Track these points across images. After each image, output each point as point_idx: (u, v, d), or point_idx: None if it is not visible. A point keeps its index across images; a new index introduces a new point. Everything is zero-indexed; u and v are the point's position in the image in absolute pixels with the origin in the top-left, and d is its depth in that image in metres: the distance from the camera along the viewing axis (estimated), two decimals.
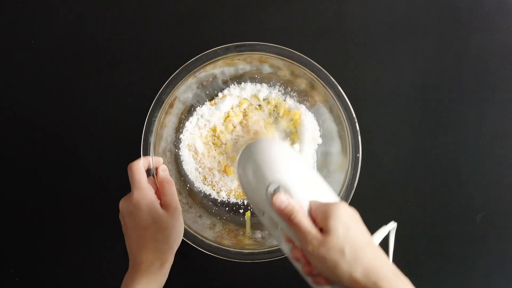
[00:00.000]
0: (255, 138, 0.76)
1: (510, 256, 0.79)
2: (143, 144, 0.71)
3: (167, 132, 0.75)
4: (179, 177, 0.77)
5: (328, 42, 0.79)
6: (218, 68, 0.74)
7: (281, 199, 0.55)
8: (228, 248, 0.71)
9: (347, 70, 0.79)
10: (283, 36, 0.78)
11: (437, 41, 0.79)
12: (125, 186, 0.68)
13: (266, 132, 0.76)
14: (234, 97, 0.77)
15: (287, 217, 0.55)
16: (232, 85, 0.77)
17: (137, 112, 0.74)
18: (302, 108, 0.77)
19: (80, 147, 0.79)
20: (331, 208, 0.53)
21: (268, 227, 0.61)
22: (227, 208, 0.78)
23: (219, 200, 0.78)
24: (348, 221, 0.53)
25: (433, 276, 0.79)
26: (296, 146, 0.77)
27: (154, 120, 0.71)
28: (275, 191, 0.56)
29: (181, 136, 0.77)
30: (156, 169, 0.71)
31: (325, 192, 0.59)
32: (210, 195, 0.78)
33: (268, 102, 0.77)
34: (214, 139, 0.77)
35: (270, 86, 0.78)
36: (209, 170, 0.77)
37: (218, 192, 0.78)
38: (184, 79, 0.71)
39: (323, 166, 0.77)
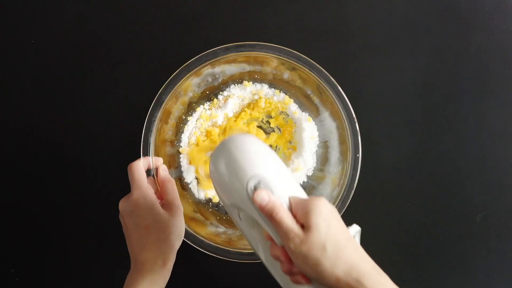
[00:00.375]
0: None
1: (510, 256, 0.79)
2: (143, 144, 0.71)
3: (167, 132, 0.75)
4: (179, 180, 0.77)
5: (328, 42, 0.79)
6: (218, 68, 0.74)
7: (262, 196, 0.53)
8: (228, 248, 0.71)
9: (347, 70, 0.79)
10: (283, 36, 0.78)
11: (437, 41, 0.79)
12: (125, 186, 0.67)
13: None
14: (235, 98, 0.77)
15: (268, 214, 0.53)
16: (233, 85, 0.77)
17: (137, 112, 0.74)
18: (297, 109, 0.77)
19: (80, 147, 0.78)
20: (312, 204, 0.52)
21: (243, 226, 0.59)
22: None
23: (217, 201, 0.79)
24: (329, 217, 0.52)
25: (433, 276, 0.79)
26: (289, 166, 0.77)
27: (154, 120, 0.71)
28: (256, 187, 0.54)
29: (181, 136, 0.77)
30: (157, 169, 0.71)
31: (297, 188, 0.57)
32: (209, 198, 0.79)
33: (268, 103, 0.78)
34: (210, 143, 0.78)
35: (271, 86, 0.78)
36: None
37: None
38: (184, 79, 0.71)
39: (322, 166, 0.77)
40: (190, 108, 0.77)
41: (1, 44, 0.79)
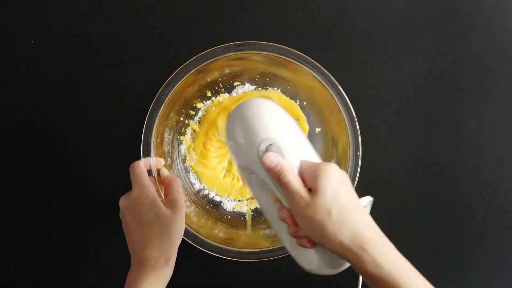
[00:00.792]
0: None
1: (510, 256, 0.79)
2: (143, 145, 0.71)
3: (168, 132, 0.76)
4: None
5: (328, 42, 0.79)
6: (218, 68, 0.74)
7: (271, 159, 0.54)
8: (229, 248, 0.71)
9: (347, 70, 0.79)
10: (283, 36, 0.78)
11: (437, 41, 0.79)
12: (125, 186, 0.67)
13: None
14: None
15: (276, 177, 0.54)
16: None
17: (137, 112, 0.74)
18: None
19: (80, 147, 0.78)
20: (321, 168, 0.53)
21: (253, 188, 0.60)
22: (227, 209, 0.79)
23: (218, 201, 0.78)
24: (337, 183, 0.52)
25: (433, 276, 0.79)
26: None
27: (154, 121, 0.71)
28: (267, 149, 0.55)
29: (181, 136, 0.77)
30: (159, 170, 0.71)
31: (312, 154, 0.58)
32: (208, 195, 0.78)
33: None
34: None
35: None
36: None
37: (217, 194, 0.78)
38: (184, 79, 0.71)
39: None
40: (190, 108, 0.78)
41: (1, 44, 0.79)
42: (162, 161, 0.72)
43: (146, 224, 0.64)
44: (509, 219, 0.79)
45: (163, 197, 0.69)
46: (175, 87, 0.71)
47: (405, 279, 0.52)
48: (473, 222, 0.79)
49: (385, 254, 0.51)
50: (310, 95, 0.76)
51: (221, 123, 0.76)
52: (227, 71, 0.76)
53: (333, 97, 0.71)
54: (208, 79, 0.76)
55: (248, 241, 0.74)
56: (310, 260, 0.58)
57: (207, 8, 0.79)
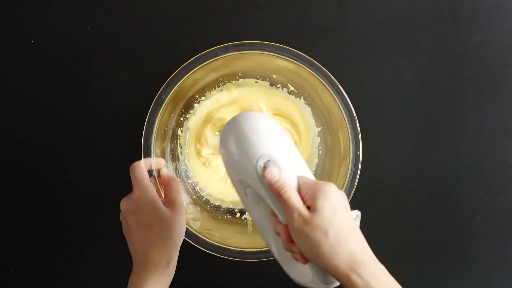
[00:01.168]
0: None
1: (510, 256, 0.79)
2: (143, 145, 0.71)
3: (168, 132, 0.76)
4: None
5: (328, 42, 0.79)
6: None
7: (273, 173, 0.54)
8: (230, 247, 0.71)
9: (347, 70, 0.79)
10: (283, 36, 0.78)
11: (437, 41, 0.79)
12: (125, 187, 0.67)
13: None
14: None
15: (276, 192, 0.54)
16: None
17: (137, 112, 0.74)
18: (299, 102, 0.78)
19: (80, 147, 0.78)
20: (321, 187, 0.53)
21: (247, 202, 0.60)
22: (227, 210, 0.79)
23: (218, 201, 0.79)
24: (336, 204, 0.53)
25: (433, 276, 0.79)
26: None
27: (154, 121, 0.71)
28: (265, 164, 0.55)
29: (181, 136, 0.77)
30: (159, 170, 0.71)
31: (306, 169, 0.58)
32: (208, 194, 0.79)
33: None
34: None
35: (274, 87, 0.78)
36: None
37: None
38: (184, 79, 0.71)
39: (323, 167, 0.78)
40: (189, 109, 0.78)
41: (1, 44, 0.79)
42: (162, 161, 0.72)
43: (147, 226, 0.64)
44: (509, 219, 0.79)
45: (164, 197, 0.69)
46: (175, 87, 0.71)
47: None
48: (473, 222, 0.79)
49: (378, 278, 0.51)
50: (310, 95, 0.76)
51: (210, 135, 0.76)
52: (227, 71, 0.76)
53: (333, 97, 0.71)
54: (208, 79, 0.76)
55: (249, 241, 0.74)
56: (302, 274, 0.59)
57: (207, 8, 0.79)
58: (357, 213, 0.59)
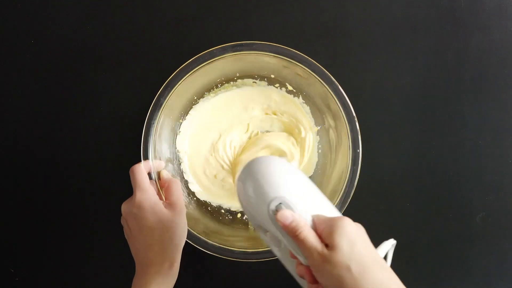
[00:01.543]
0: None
1: (510, 256, 0.79)
2: (143, 147, 0.71)
3: (167, 133, 0.75)
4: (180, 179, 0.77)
5: (328, 42, 0.79)
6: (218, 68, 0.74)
7: (286, 215, 0.54)
8: (232, 248, 0.71)
9: (347, 70, 0.79)
10: (283, 36, 0.78)
11: (437, 41, 0.79)
12: (125, 188, 0.68)
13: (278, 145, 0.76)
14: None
15: (292, 233, 0.53)
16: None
17: (136, 114, 0.74)
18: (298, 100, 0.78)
19: (80, 148, 0.78)
20: (335, 223, 0.52)
21: (271, 246, 0.61)
22: (227, 211, 0.79)
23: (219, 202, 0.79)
24: (353, 237, 0.52)
25: (433, 276, 0.79)
26: (294, 162, 0.77)
27: (153, 123, 0.71)
28: (277, 208, 0.55)
29: (180, 136, 0.78)
30: (159, 172, 0.71)
31: (326, 206, 0.58)
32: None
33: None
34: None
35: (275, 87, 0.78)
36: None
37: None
38: (182, 80, 0.71)
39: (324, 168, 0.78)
40: (188, 110, 0.78)
41: (1, 44, 0.79)
42: (162, 163, 0.72)
43: (149, 229, 0.64)
44: (509, 219, 0.79)
45: (164, 200, 0.69)
46: (173, 89, 0.71)
47: None
48: (473, 222, 0.79)
49: None
50: (309, 94, 0.76)
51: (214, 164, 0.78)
52: (226, 71, 0.76)
53: (333, 97, 0.71)
54: (206, 80, 0.76)
55: (251, 241, 0.74)
56: None
57: (206, 8, 0.79)
58: (392, 242, 0.60)
